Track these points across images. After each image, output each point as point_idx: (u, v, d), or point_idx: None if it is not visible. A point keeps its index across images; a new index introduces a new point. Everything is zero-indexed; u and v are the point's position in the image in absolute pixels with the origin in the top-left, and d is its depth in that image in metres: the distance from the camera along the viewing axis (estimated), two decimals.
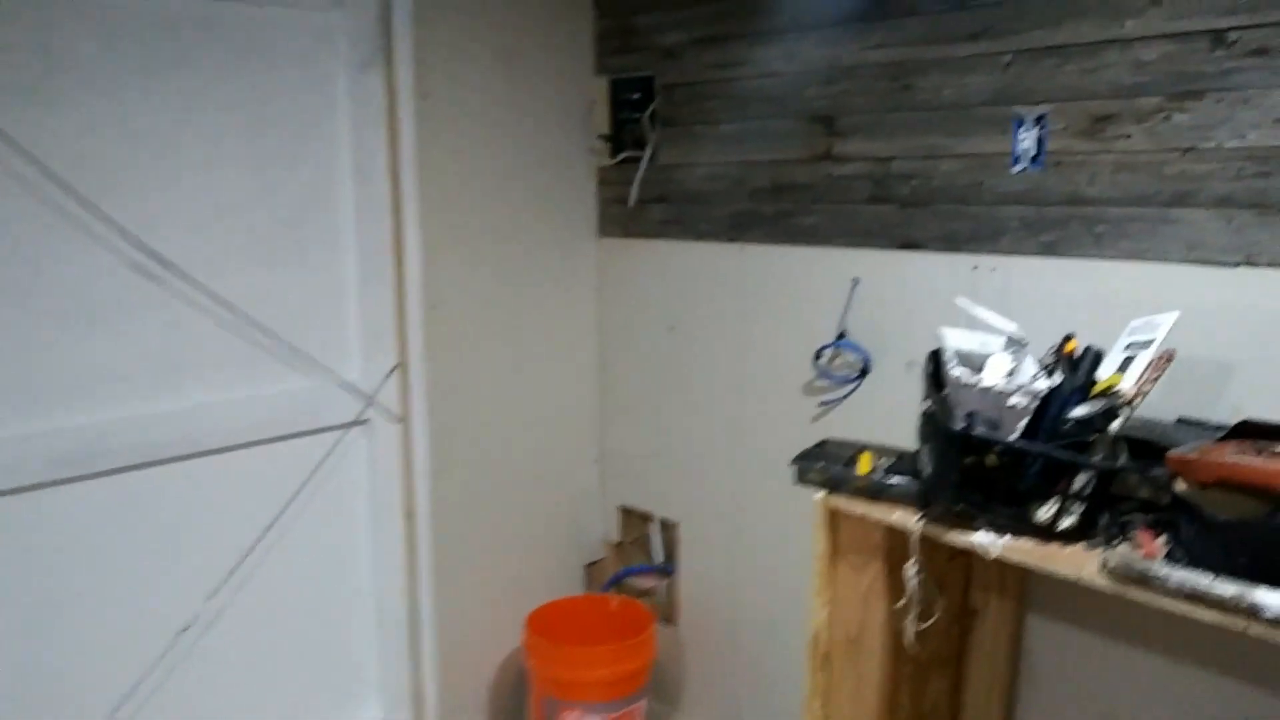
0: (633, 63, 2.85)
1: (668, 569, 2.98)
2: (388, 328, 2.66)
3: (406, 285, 2.64)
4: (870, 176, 2.34)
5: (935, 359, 1.80)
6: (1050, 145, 2.03)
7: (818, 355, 2.45)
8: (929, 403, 1.68)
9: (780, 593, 2.68)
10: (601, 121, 2.94)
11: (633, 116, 2.88)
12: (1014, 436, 1.53)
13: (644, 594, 3.03)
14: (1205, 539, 1.42)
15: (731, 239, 2.66)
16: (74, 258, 2.12)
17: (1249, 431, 1.56)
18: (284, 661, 2.60)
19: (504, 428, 2.91)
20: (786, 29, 2.46)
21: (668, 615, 3.00)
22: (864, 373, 2.39)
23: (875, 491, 1.75)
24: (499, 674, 2.97)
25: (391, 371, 2.67)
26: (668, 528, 2.99)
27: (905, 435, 2.00)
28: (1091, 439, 1.50)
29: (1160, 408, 1.84)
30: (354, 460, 2.67)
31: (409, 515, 2.75)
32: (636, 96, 2.86)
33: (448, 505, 2.79)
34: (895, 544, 1.78)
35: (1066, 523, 1.51)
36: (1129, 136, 1.92)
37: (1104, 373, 1.59)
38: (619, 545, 3.14)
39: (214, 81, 2.28)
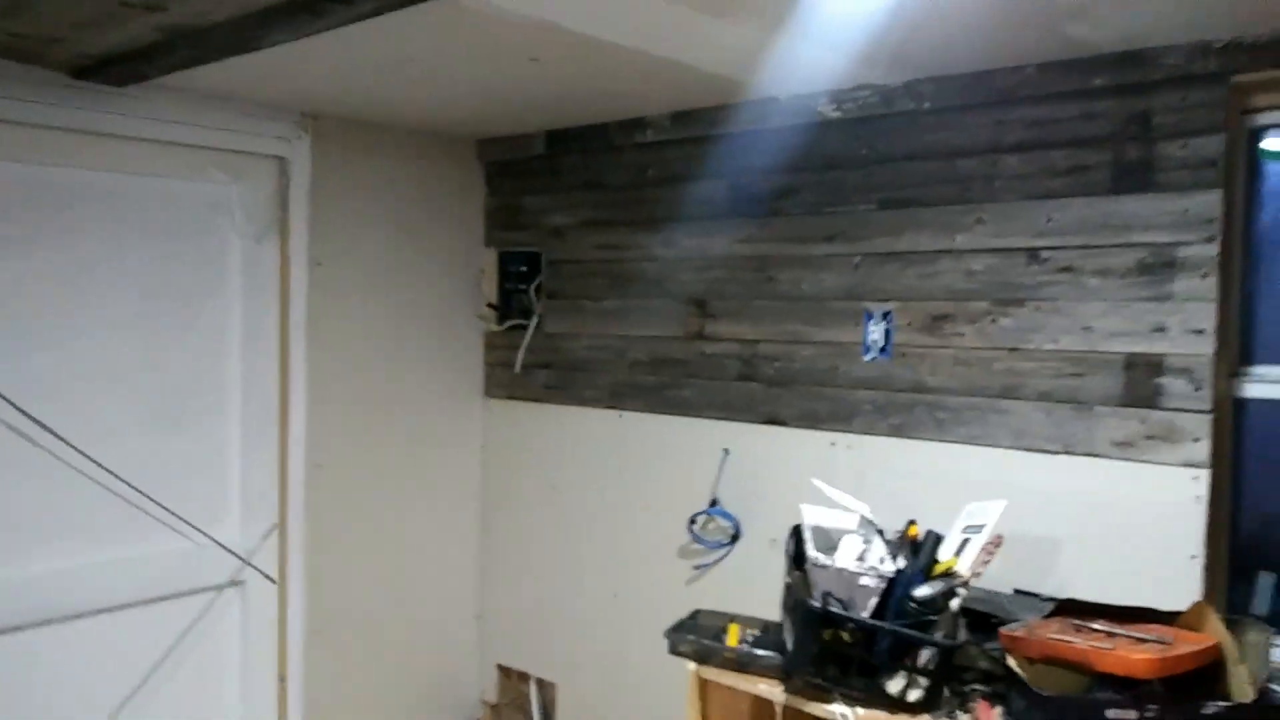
0: (521, 239, 3.03)
1: None
2: (269, 488, 2.68)
3: (290, 446, 2.68)
4: (739, 356, 2.54)
5: (797, 535, 1.95)
6: (896, 338, 2.27)
7: (692, 521, 2.59)
8: (791, 579, 1.82)
9: None
10: (490, 290, 3.09)
11: (519, 287, 3.04)
12: (865, 614, 1.67)
13: None
14: (1034, 712, 1.57)
15: (612, 406, 2.81)
16: None
17: (1070, 609, 1.75)
18: None
19: (384, 586, 2.91)
20: (665, 219, 2.68)
21: None
22: (735, 538, 2.53)
23: (743, 663, 1.86)
24: None
25: (270, 532, 2.67)
26: (546, 688, 3.01)
27: (772, 600, 2.13)
28: (934, 616, 1.66)
29: (999, 580, 2.02)
30: (228, 621, 2.63)
31: (281, 679, 2.71)
32: (524, 269, 3.03)
33: (323, 667, 2.75)
34: (763, 712, 1.88)
35: (914, 695, 1.65)
36: (963, 335, 2.17)
37: (944, 554, 1.77)
38: (496, 706, 3.13)
39: (108, 250, 2.34)
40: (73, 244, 2.28)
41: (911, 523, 1.89)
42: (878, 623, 1.66)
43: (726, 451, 2.55)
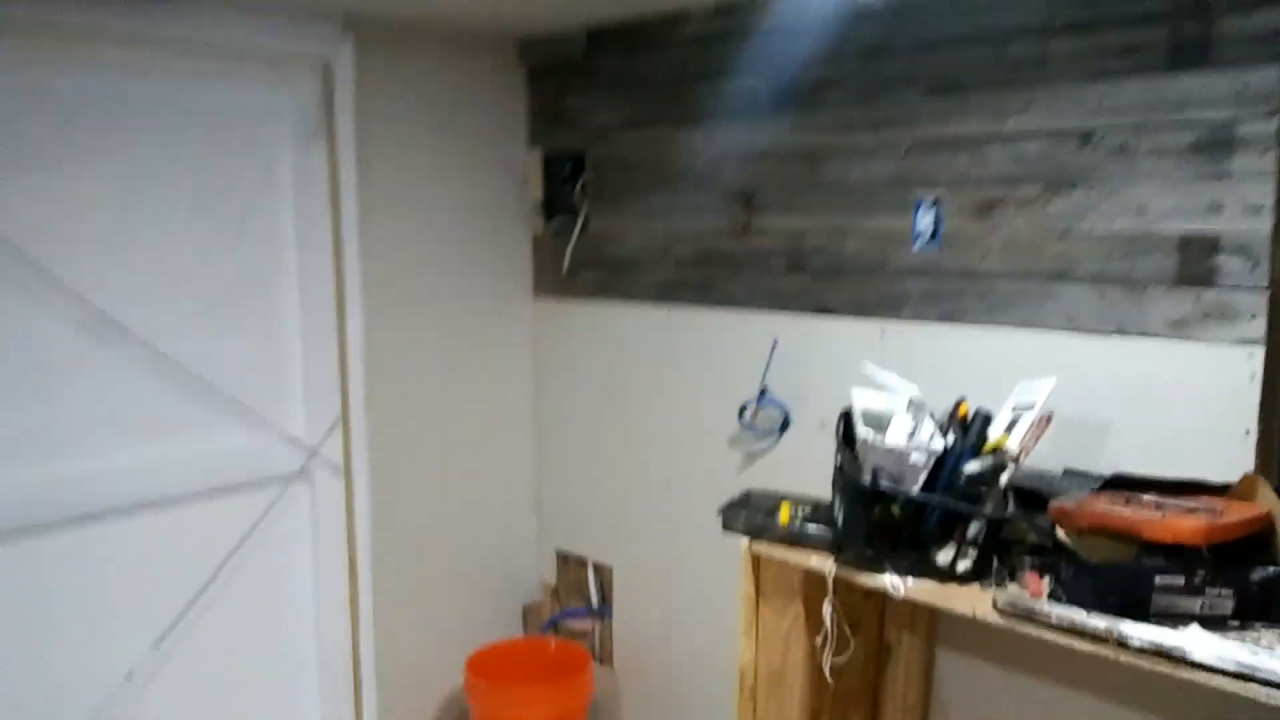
0: (564, 139, 3.04)
1: (603, 611, 3.12)
2: (330, 384, 2.77)
3: (349, 344, 2.76)
4: (786, 249, 2.55)
5: (846, 418, 2.00)
6: (946, 226, 2.27)
7: (741, 410, 2.64)
8: (841, 459, 1.88)
9: (709, 632, 2.84)
10: (536, 192, 3.11)
11: (565, 188, 3.06)
12: (915, 489, 1.73)
13: (580, 635, 3.16)
14: (1081, 579, 1.63)
15: (659, 302, 2.85)
16: (22, 319, 2.20)
17: (1120, 484, 1.78)
18: (227, 712, 2.65)
19: (444, 478, 3.03)
20: (708, 115, 2.67)
21: (603, 656, 3.13)
22: (784, 427, 2.59)
23: (794, 539, 1.93)
24: (440, 716, 3.06)
25: (333, 426, 2.78)
26: (602, 572, 3.13)
27: (821, 485, 2.20)
28: (983, 491, 1.71)
29: (1050, 459, 2.06)
30: (297, 512, 2.75)
31: (350, 564, 2.84)
32: (568, 169, 3.04)
33: (388, 554, 2.89)
34: (813, 586, 1.96)
35: (963, 565, 1.71)
36: (1013, 220, 2.17)
37: (994, 432, 1.81)
38: (555, 589, 3.26)
39: (163, 158, 2.40)
40: (130, 153, 2.34)
41: (960, 401, 1.93)
42: (926, 496, 1.71)
43: (775, 342, 2.59)
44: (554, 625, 3.21)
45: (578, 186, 3.00)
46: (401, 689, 2.95)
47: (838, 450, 1.92)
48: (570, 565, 3.22)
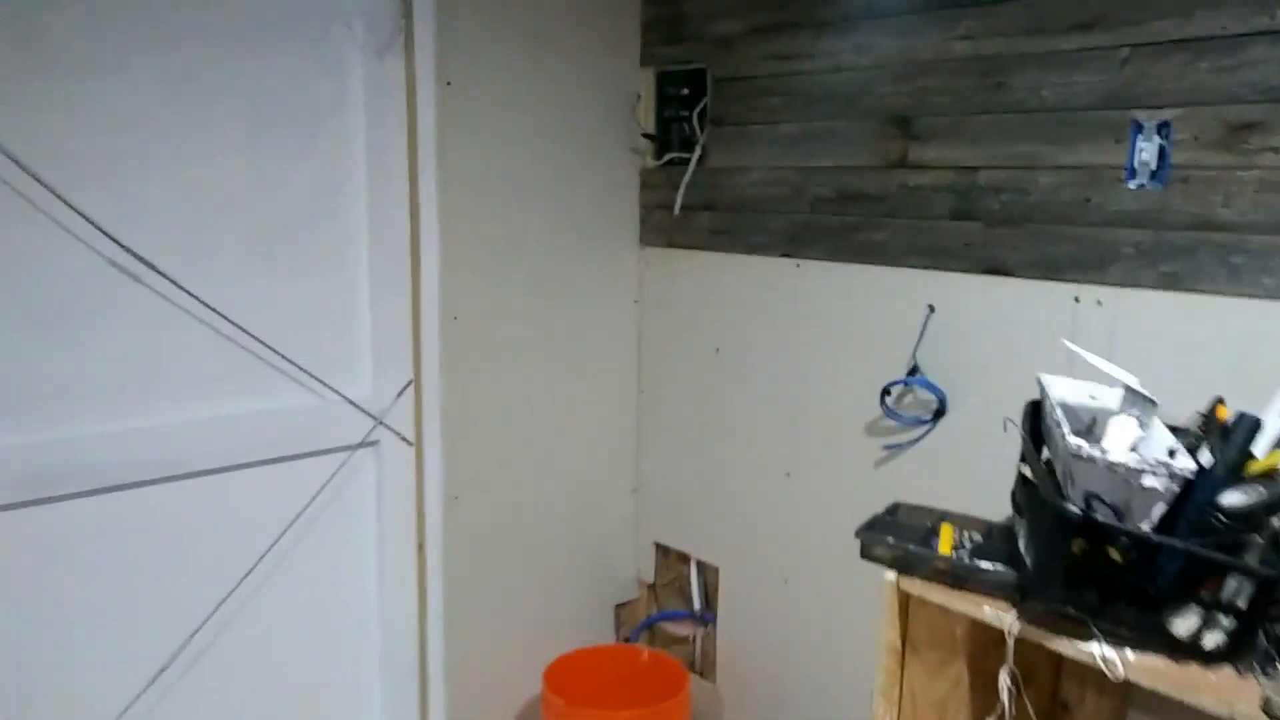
0: (682, 54, 2.55)
1: (706, 617, 2.68)
2: (401, 341, 2.39)
3: (423, 295, 2.37)
4: (952, 188, 2.02)
5: (1034, 414, 1.48)
6: (1176, 158, 1.70)
7: (885, 392, 2.14)
8: (1032, 471, 1.37)
9: (833, 654, 2.37)
10: (646, 119, 2.65)
11: (680, 114, 2.58)
12: (1150, 527, 1.21)
13: (678, 642, 2.74)
14: None
15: (788, 254, 2.36)
16: (47, 255, 1.88)
17: None
18: (280, 703, 2.34)
19: (528, 453, 2.63)
20: (857, 16, 2.14)
21: (704, 669, 2.70)
22: (938, 414, 2.07)
23: (960, 577, 1.44)
24: None
25: (404, 389, 2.40)
26: (707, 571, 2.69)
27: (983, 493, 1.70)
28: (1247, 534, 1.18)
29: None
30: (360, 485, 2.40)
31: (420, 547, 2.48)
32: (685, 92, 2.56)
33: (462, 537, 2.52)
34: (983, 643, 1.47)
35: (1213, 640, 1.19)
36: (1277, 150, 1.59)
37: (1261, 449, 1.26)
38: (653, 587, 2.84)
39: (209, 63, 2.02)
40: (173, 56, 1.97)
41: (1219, 402, 1.38)
42: (1167, 539, 1.19)
43: (931, 308, 2.07)
44: (649, 628, 2.79)
45: (695, 113, 2.52)
46: (474, 694, 2.59)
47: (1024, 457, 1.41)
48: (671, 561, 2.79)
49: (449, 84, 2.32)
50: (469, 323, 2.45)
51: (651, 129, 2.64)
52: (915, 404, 2.12)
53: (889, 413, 2.15)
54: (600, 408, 2.77)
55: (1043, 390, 1.48)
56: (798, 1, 2.26)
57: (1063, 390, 1.49)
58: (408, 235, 2.35)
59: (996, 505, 1.64)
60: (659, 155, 2.64)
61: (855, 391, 2.22)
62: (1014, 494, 1.48)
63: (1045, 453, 1.43)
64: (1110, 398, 1.47)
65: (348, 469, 2.35)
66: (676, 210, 2.56)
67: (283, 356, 2.20)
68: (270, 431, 2.22)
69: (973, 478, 1.98)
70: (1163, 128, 1.71)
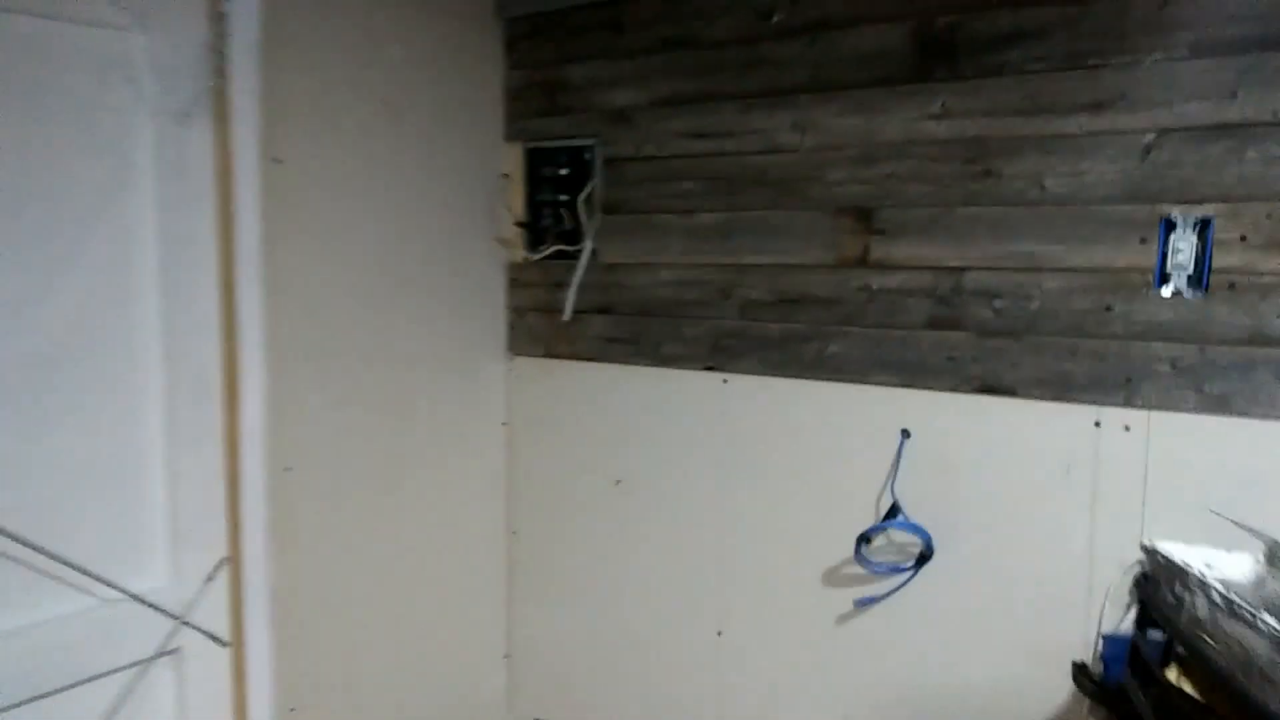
0: (562, 127, 2.11)
1: None
2: (211, 507, 1.75)
3: (243, 441, 1.76)
4: (930, 292, 1.69)
5: (1152, 585, 1.14)
6: (1219, 260, 1.45)
7: (864, 539, 1.76)
8: (1163, 668, 1.01)
9: None
10: (516, 204, 2.18)
11: (559, 198, 2.13)
12: None
13: None
14: None
15: (712, 367, 1.95)
16: None
17: None
18: None
19: (381, 627, 2.03)
20: (801, 88, 1.80)
21: None
22: (922, 560, 1.71)
23: None
24: None
25: (216, 571, 1.76)
26: None
27: (982, 650, 1.36)
28: None
29: None
30: (157, 709, 1.72)
31: None
32: (564, 173, 2.12)
33: None
34: None
35: None
36: None
37: None
38: None
39: None
40: None
41: None
42: None
43: (905, 433, 1.72)
44: None
45: (580, 198, 2.08)
46: None
47: (1159, 657, 1.05)
48: None
49: (278, 161, 1.75)
50: (307, 474, 1.85)
51: (523, 216, 2.17)
52: (891, 548, 1.76)
53: (861, 559, 1.77)
54: (463, 556, 2.21)
55: (1170, 562, 1.14)
56: (718, 69, 1.89)
57: (1184, 556, 1.16)
58: (219, 362, 1.73)
59: (995, 667, 1.28)
60: (533, 247, 2.17)
61: (810, 532, 1.83)
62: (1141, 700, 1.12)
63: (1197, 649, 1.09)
64: (1233, 565, 1.16)
65: (138, 695, 1.67)
66: (567, 314, 2.09)
67: (30, 546, 1.51)
68: (19, 660, 1.52)
69: (967, 635, 1.64)
70: (1201, 226, 1.46)
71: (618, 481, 2.09)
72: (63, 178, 1.53)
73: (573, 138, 2.10)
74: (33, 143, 1.49)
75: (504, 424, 2.25)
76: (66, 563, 1.56)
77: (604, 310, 2.09)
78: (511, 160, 2.18)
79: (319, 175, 1.83)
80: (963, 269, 1.66)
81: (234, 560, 1.77)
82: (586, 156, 2.09)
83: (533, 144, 2.16)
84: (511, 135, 2.18)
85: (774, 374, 1.87)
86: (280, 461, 1.79)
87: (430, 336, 2.08)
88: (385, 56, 1.94)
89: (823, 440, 1.82)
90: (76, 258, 1.56)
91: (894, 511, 1.72)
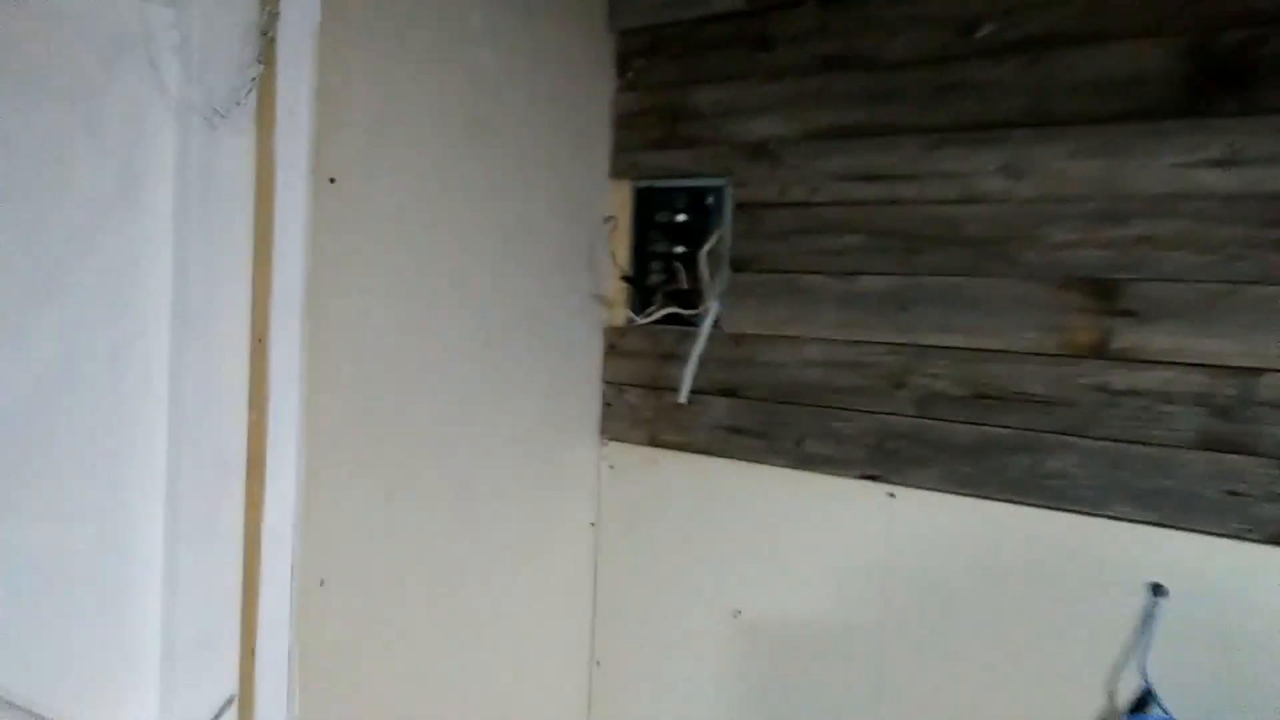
0: (683, 162, 1.71)
1: None
2: (221, 625, 1.33)
3: (265, 538, 1.33)
4: (1204, 399, 1.24)
5: None
6: None
7: None
8: None
9: None
10: (621, 255, 1.77)
11: (673, 250, 1.72)
12: None
13: None
14: None
15: (874, 476, 1.50)
16: None
17: None
18: None
19: None
20: (1012, 120, 1.38)
21: None
22: None
23: None
24: None
25: (221, 714, 1.33)
26: None
27: None
28: None
29: None
30: None
31: None
32: (682, 219, 1.71)
33: None
34: None
35: None
36: None
37: None
38: None
39: None
40: None
41: None
42: None
43: (1159, 591, 1.26)
44: None
45: (702, 252, 1.66)
46: None
47: None
48: None
49: (333, 180, 1.35)
50: (345, 589, 1.42)
51: (629, 269, 1.76)
52: None
53: None
54: (534, 692, 1.76)
55: None
56: (895, 98, 1.48)
57: None
58: (241, 437, 1.32)
59: None
60: (639, 309, 1.75)
61: (1010, 708, 1.36)
62: None
63: None
64: None
65: None
66: (682, 395, 1.65)
67: None
68: None
69: None
70: None
71: (737, 613, 1.64)
72: (53, 185, 1.15)
73: (696, 176, 1.69)
74: (14, 139, 1.10)
75: (592, 524, 1.81)
76: (11, 703, 1.15)
77: (728, 392, 1.65)
78: (618, 201, 1.77)
79: (381, 202, 1.43)
80: (1256, 370, 1.21)
81: (245, 701, 1.34)
82: (711, 200, 1.68)
83: (645, 182, 1.75)
84: (619, 171, 1.78)
85: (962, 491, 1.42)
86: (313, 572, 1.36)
87: (507, 413, 1.66)
88: (474, 62, 1.55)
89: (1034, 589, 1.36)
90: (64, 292, 1.17)
91: (1146, 702, 1.24)
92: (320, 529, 1.36)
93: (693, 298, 1.69)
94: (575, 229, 1.75)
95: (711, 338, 1.65)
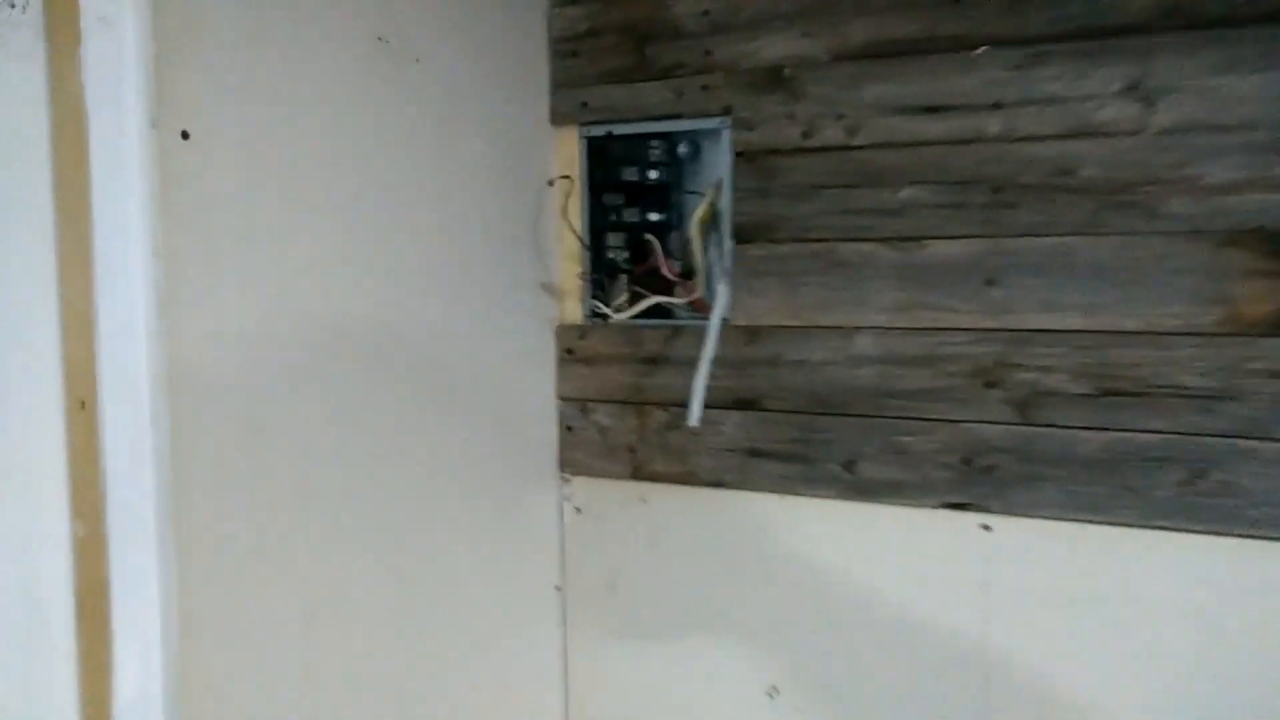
0: (658, 98, 1.27)
1: None
2: None
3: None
4: None
5: None
6: None
7: None
8: None
9: None
10: (575, 226, 1.32)
11: (646, 220, 1.29)
12: None
13: None
14: None
15: (960, 504, 1.14)
16: None
17: None
18: None
19: None
20: (1136, 25, 1.03)
21: None
22: None
23: None
24: None
25: None
26: None
27: None
28: None
29: None
30: None
31: None
32: (656, 175, 1.28)
33: None
34: None
35: None
36: None
37: None
38: None
39: None
40: None
41: None
42: None
43: None
44: None
45: (695, 216, 1.24)
46: None
47: None
48: None
49: (186, 136, 0.84)
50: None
51: (586, 241, 1.31)
52: None
53: None
54: None
55: None
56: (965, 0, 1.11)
57: None
58: (67, 562, 0.80)
59: None
60: (606, 299, 1.31)
61: None
62: None
63: None
64: None
65: None
66: (693, 418, 1.22)
67: None
68: None
69: None
70: None
71: (773, 692, 1.25)
72: None
73: (677, 117, 1.26)
74: None
75: (557, 588, 1.37)
76: None
77: (743, 404, 1.25)
78: (565, 155, 1.32)
79: (250, 162, 0.92)
80: None
81: None
82: (700, 148, 1.26)
83: (601, 129, 1.31)
84: (562, 115, 1.32)
85: (1088, 518, 1.08)
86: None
87: (427, 449, 1.18)
88: None
89: (1198, 647, 1.04)
90: None
91: None
92: (209, 693, 0.86)
93: (670, 283, 1.27)
94: (510, 196, 1.29)
95: (724, 335, 1.23)
